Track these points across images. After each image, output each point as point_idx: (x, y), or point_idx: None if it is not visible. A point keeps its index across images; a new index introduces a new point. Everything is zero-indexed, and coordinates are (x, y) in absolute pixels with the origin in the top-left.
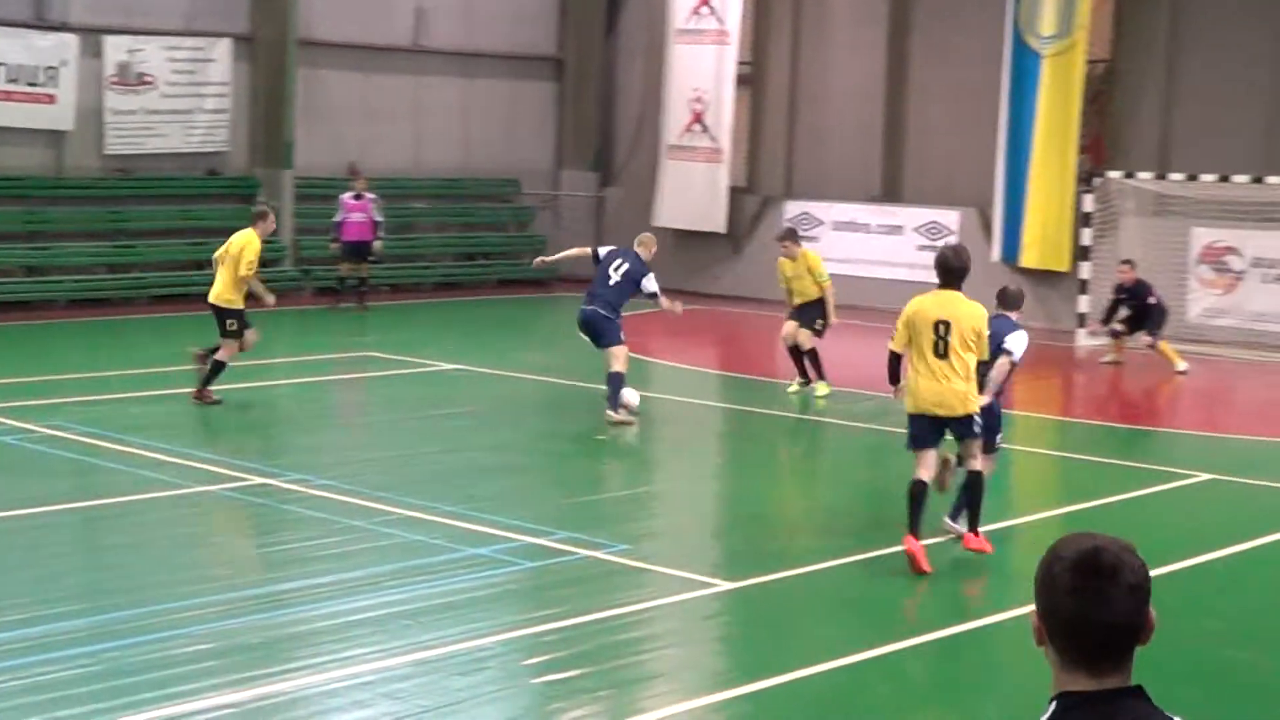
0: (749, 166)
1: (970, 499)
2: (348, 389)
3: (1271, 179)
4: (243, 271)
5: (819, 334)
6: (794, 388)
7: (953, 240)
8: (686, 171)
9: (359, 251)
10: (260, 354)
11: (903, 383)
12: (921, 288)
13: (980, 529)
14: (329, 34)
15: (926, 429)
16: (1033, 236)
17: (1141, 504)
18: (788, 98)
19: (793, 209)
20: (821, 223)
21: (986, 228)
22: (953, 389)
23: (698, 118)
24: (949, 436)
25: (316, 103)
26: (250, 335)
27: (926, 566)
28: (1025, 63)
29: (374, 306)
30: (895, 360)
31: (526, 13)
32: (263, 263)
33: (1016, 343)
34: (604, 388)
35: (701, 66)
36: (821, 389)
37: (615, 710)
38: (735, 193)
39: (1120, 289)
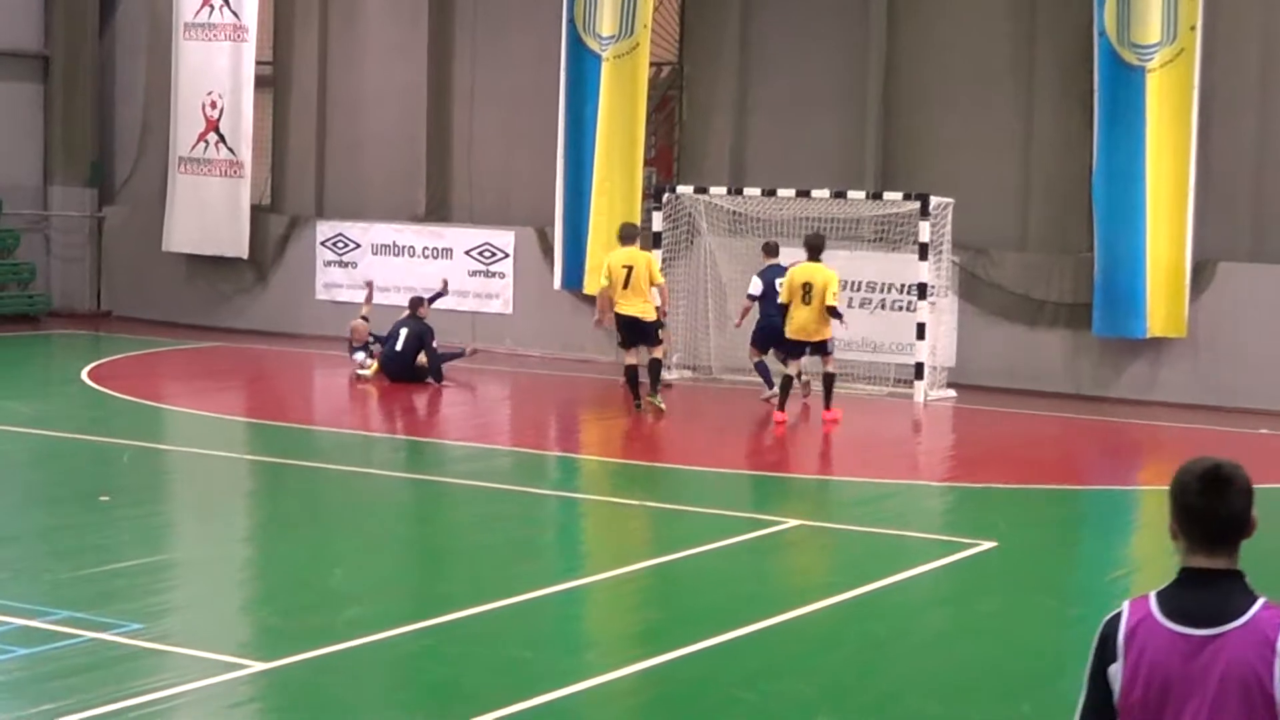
0: (274, 182)
1: (826, 387)
2: None
3: (853, 194)
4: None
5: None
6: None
7: (509, 261)
8: (201, 187)
9: None
10: None
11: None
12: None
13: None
14: None
15: (798, 348)
16: (598, 260)
17: (730, 555)
18: (317, 104)
19: (325, 230)
20: (358, 245)
21: (547, 251)
22: (814, 323)
23: (213, 125)
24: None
25: None
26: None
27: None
28: (584, 66)
29: None
30: (783, 309)
31: (3, 2)
32: None
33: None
34: (108, 442)
35: (215, 67)
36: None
37: None
38: (258, 212)
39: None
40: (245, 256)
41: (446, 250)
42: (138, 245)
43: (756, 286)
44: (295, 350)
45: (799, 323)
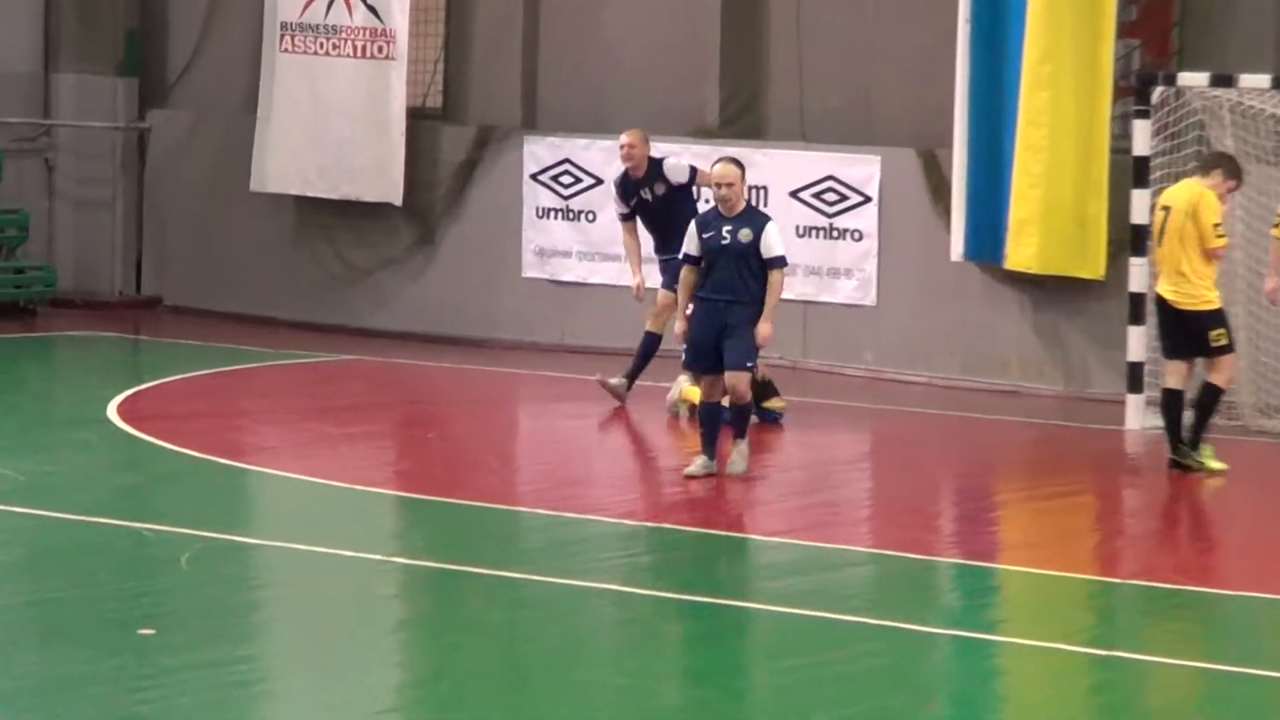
0: (448, 70)
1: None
2: None
3: None
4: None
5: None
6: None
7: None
8: (320, 78)
9: None
10: None
11: None
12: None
13: None
14: None
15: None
16: (1030, 210)
17: None
18: None
19: (540, 153)
20: (599, 180)
21: (940, 192)
22: None
23: None
24: None
25: None
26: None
27: None
28: None
29: None
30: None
31: None
32: None
33: None
34: (154, 530)
35: None
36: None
37: None
38: (420, 122)
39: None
40: (398, 202)
41: (759, 190)
42: (208, 180)
43: None
44: (484, 368)
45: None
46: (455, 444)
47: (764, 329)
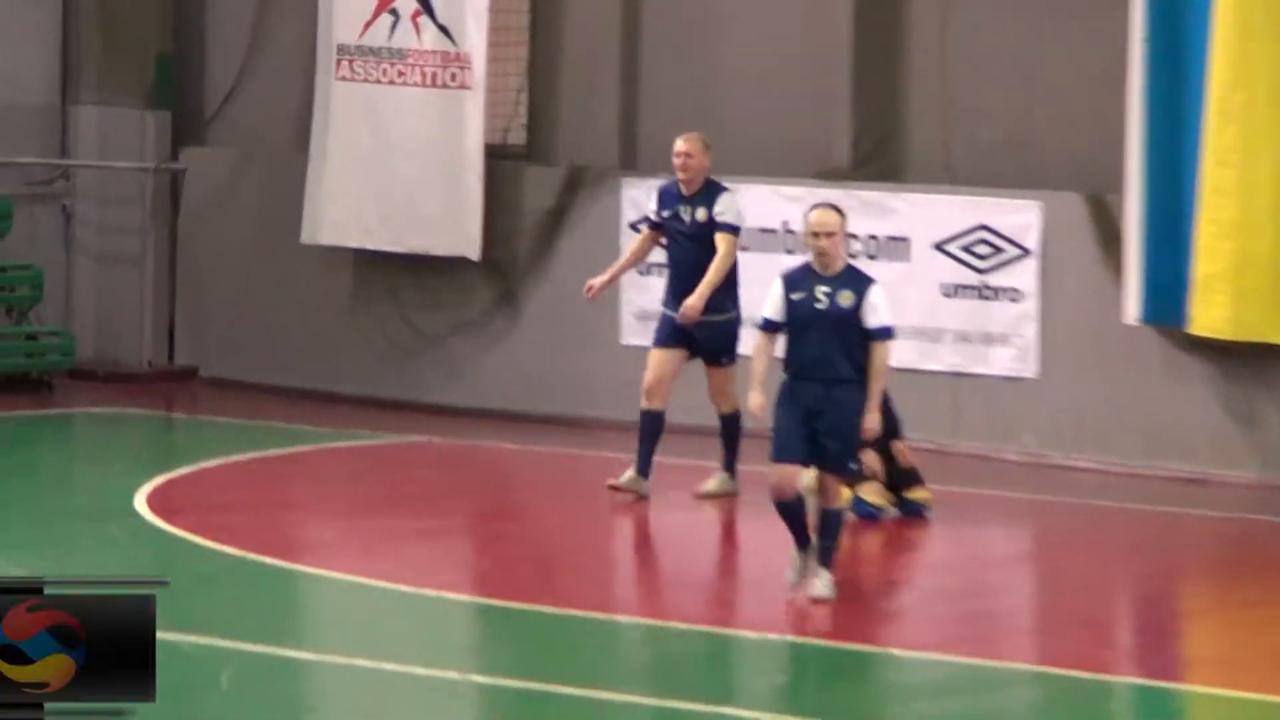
0: (533, 102)
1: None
2: None
3: None
4: None
5: None
6: None
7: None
8: (383, 110)
9: None
10: None
11: None
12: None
13: None
14: None
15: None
16: (1218, 265)
17: None
18: None
19: (641, 197)
20: None
21: (1109, 245)
22: None
23: None
24: None
25: None
26: None
27: None
28: None
29: None
30: None
31: None
32: None
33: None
34: (191, 643)
35: None
36: None
37: None
38: (501, 162)
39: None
40: (475, 256)
41: (898, 241)
42: (251, 231)
43: None
44: (576, 450)
45: None
46: (543, 540)
47: (870, 420)
